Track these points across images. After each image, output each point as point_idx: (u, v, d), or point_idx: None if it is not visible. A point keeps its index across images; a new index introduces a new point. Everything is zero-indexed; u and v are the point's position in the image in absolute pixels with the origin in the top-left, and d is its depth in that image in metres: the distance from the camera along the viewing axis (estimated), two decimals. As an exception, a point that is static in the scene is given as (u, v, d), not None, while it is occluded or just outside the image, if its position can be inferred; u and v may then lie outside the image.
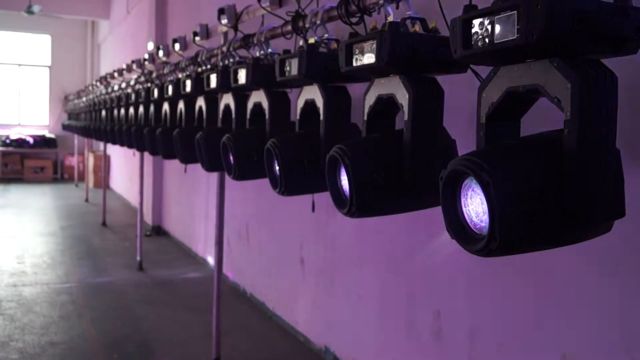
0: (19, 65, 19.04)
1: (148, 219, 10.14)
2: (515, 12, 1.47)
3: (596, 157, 1.47)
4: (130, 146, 6.15)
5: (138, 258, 7.63)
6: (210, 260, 7.54)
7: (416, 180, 2.06)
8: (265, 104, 3.19)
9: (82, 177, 16.00)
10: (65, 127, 14.96)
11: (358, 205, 2.12)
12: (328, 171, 2.26)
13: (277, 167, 2.72)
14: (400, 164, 2.08)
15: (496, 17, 1.53)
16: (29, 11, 14.33)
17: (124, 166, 13.86)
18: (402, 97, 2.07)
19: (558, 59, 1.46)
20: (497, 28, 1.52)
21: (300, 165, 2.69)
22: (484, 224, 1.53)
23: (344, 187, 2.23)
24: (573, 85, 1.43)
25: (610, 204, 1.53)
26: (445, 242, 3.20)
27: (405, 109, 2.06)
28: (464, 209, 1.61)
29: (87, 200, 13.59)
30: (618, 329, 2.52)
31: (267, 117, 3.16)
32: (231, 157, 3.26)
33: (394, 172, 2.10)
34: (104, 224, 10.66)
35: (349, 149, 2.12)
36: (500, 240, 1.45)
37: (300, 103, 2.83)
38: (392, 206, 2.22)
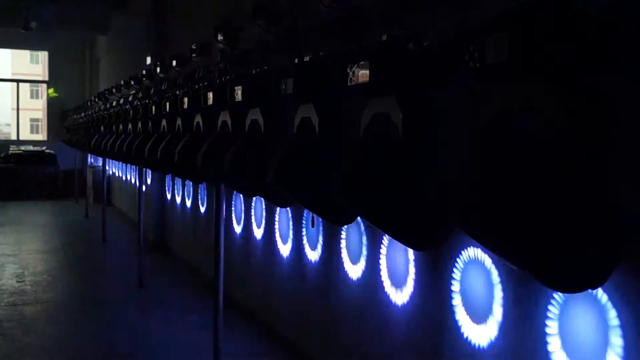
0: (17, 81, 19.09)
1: (150, 235, 10.10)
2: (507, 33, 1.48)
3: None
4: (131, 162, 6.15)
5: (138, 275, 7.60)
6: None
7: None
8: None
9: (82, 193, 15.94)
10: (65, 142, 14.97)
11: None
12: None
13: None
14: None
15: (487, 38, 1.53)
16: (27, 27, 14.39)
17: (124, 181, 13.85)
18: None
19: (542, 85, 1.46)
20: (488, 49, 1.53)
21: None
22: None
23: None
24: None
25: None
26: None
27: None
28: None
29: (87, 216, 13.55)
30: None
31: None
32: None
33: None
34: (104, 240, 10.64)
35: None
36: None
37: (297, 121, 2.84)
38: None
